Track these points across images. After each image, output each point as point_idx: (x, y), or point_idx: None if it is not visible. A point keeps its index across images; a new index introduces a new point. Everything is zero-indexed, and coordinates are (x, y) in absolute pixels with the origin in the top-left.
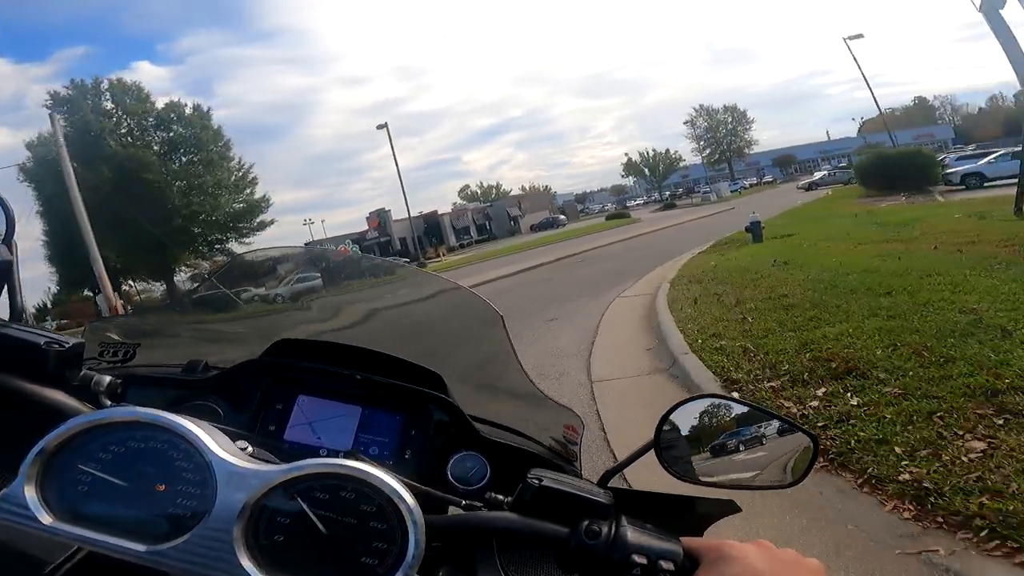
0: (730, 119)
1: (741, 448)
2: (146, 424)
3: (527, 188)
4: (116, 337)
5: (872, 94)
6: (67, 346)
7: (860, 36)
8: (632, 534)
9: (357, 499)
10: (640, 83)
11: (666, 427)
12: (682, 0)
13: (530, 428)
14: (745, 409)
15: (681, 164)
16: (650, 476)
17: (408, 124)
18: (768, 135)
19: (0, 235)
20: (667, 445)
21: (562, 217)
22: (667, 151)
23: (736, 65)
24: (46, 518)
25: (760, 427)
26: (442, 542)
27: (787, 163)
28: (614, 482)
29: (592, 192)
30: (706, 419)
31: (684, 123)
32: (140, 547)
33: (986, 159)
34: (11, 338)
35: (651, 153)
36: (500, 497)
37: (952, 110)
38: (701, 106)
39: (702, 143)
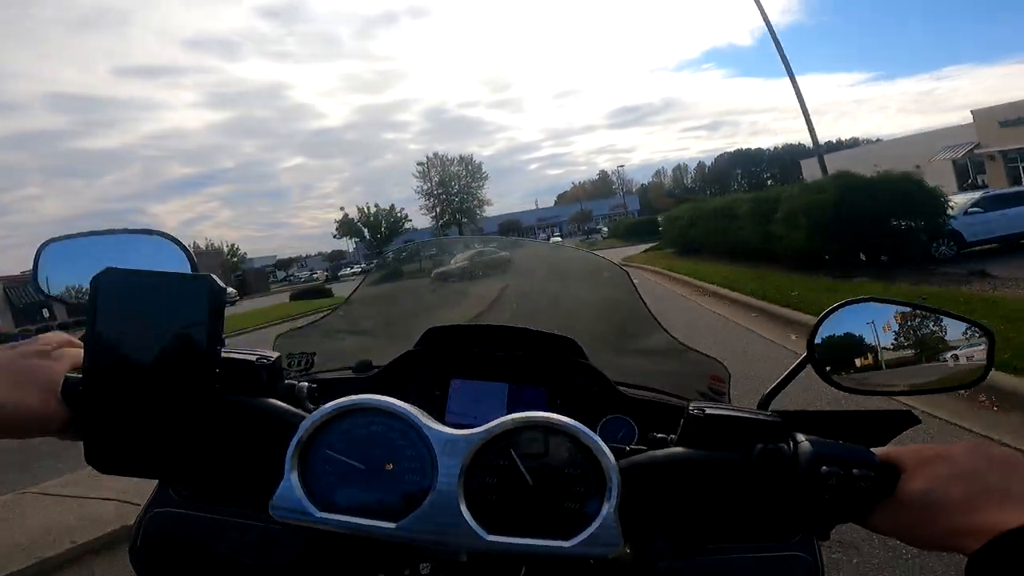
0: (464, 172)
1: (906, 351)
2: (370, 409)
3: (211, 246)
4: (299, 348)
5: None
6: (271, 361)
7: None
8: (816, 448)
9: (551, 449)
10: (369, 145)
11: (818, 339)
12: (409, 65)
13: (674, 383)
14: (905, 309)
15: (407, 225)
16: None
17: (71, 163)
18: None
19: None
20: (823, 357)
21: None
22: (392, 207)
23: (461, 136)
24: (316, 512)
25: (924, 326)
26: (627, 482)
27: (513, 228)
28: (774, 405)
29: (308, 257)
30: (862, 324)
31: (415, 173)
32: (390, 525)
33: None
34: (231, 360)
35: (372, 209)
36: (663, 436)
37: (624, 183)
38: (435, 154)
39: (432, 199)
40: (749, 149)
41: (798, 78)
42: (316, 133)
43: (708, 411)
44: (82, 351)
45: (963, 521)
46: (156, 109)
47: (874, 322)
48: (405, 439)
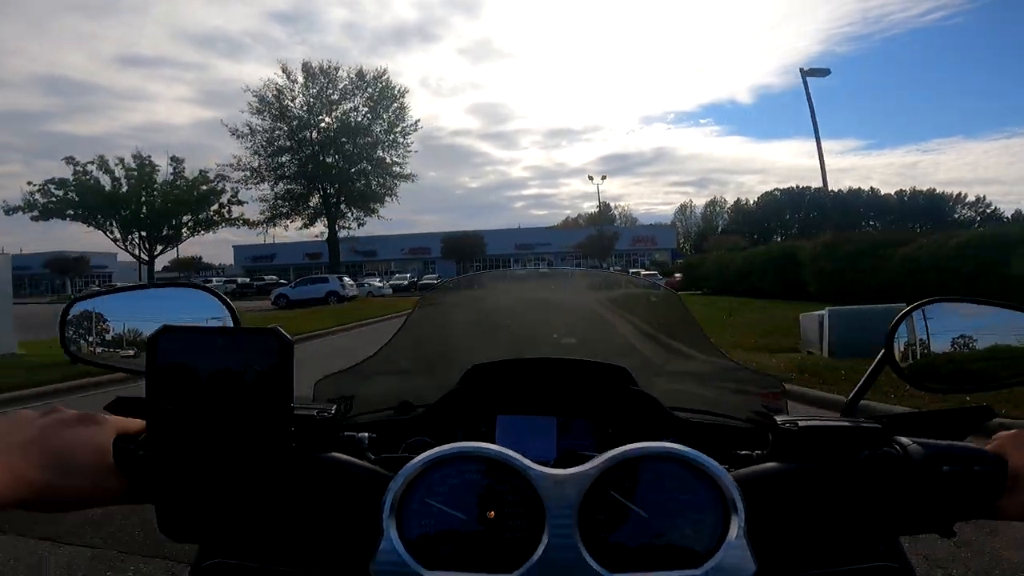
0: (361, 104)
1: (984, 346)
2: (464, 457)
3: None
4: (337, 392)
5: None
6: (331, 414)
7: None
8: (927, 449)
9: (660, 477)
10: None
11: (897, 339)
12: (409, 85)
13: (728, 404)
14: (974, 306)
15: (235, 209)
16: None
17: (53, 146)
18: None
19: (224, 321)
20: (902, 357)
21: None
22: (200, 173)
23: (451, 164)
24: (423, 570)
25: (998, 322)
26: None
27: (464, 251)
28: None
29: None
30: (938, 324)
31: (249, 104)
32: None
33: None
34: (297, 416)
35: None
36: (747, 453)
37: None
38: (306, 65)
39: (273, 158)
40: (797, 187)
41: (790, 141)
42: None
43: (802, 423)
44: (117, 418)
45: None
46: (149, 100)
47: (949, 322)
48: (504, 484)
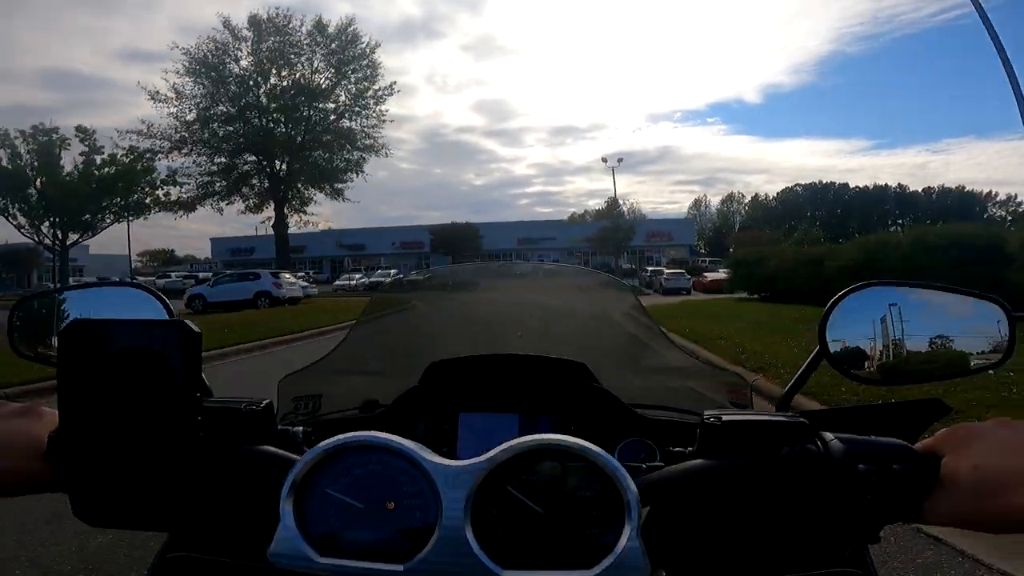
0: (317, 59)
1: (921, 335)
2: (365, 447)
3: None
4: (304, 390)
5: None
6: (260, 407)
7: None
8: (847, 446)
9: (560, 473)
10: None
11: (829, 332)
12: (415, 82)
13: (692, 400)
14: (912, 291)
15: (166, 186)
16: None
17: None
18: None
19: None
20: (837, 350)
21: None
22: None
23: (455, 161)
24: (317, 557)
25: (938, 307)
26: (647, 501)
27: (457, 244)
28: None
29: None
30: (872, 312)
31: (176, 64)
32: (397, 567)
33: None
34: (217, 409)
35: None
36: (680, 450)
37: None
38: (254, 17)
39: (206, 125)
40: (820, 183)
41: (798, 140)
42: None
43: (725, 418)
44: (49, 410)
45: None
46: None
47: (885, 308)
48: (404, 475)
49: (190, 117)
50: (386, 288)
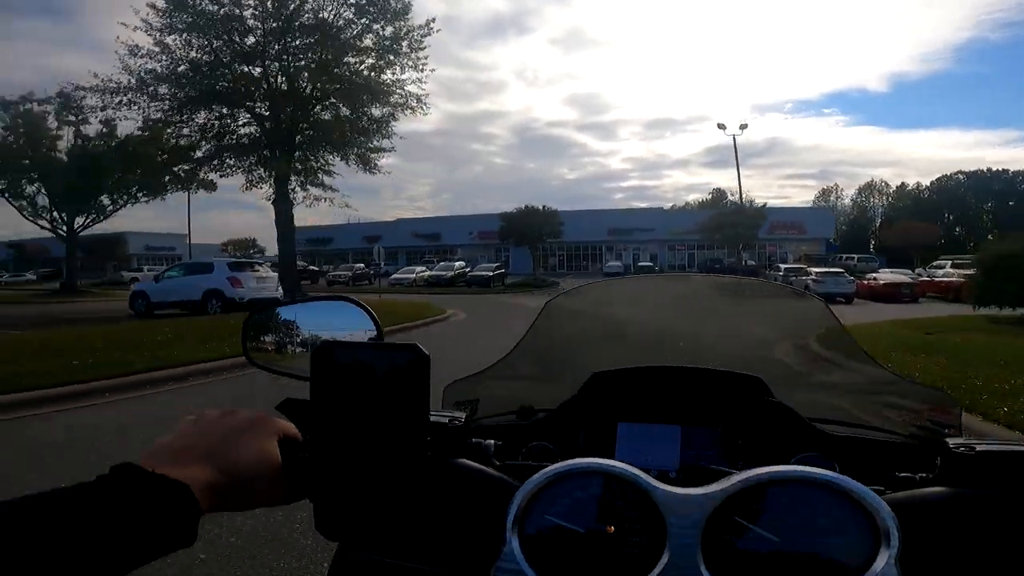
0: None
1: None
2: (588, 472)
3: None
4: (463, 395)
5: None
6: (461, 422)
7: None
8: None
9: (798, 501)
10: (456, 153)
11: None
12: (505, 78)
13: (884, 418)
14: None
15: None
16: None
17: None
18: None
19: (374, 336)
20: None
21: None
22: None
23: (546, 155)
24: None
25: None
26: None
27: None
28: None
29: None
30: None
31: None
32: None
33: None
34: (431, 424)
35: None
36: (910, 475)
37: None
38: None
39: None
40: (987, 171)
41: (932, 131)
42: (406, 135)
43: (979, 448)
44: (283, 422)
45: None
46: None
47: None
48: (622, 499)
49: (161, 63)
50: (554, 300)
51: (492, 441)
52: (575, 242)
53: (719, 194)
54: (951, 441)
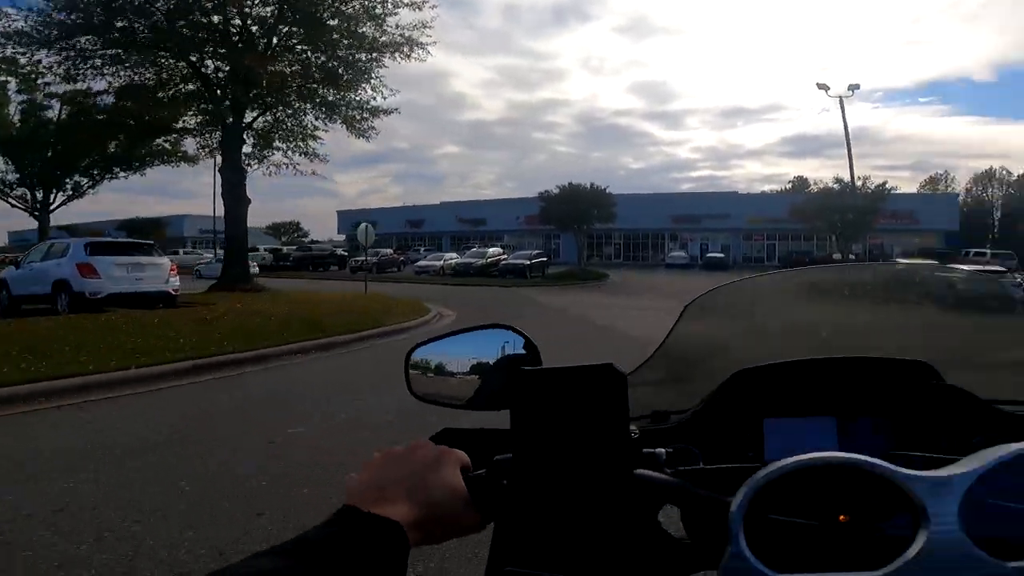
0: None
1: None
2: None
3: None
4: None
5: None
6: (638, 435)
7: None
8: None
9: None
10: (520, 142)
11: None
12: (569, 66)
13: None
14: None
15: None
16: None
17: None
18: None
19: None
20: None
21: None
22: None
23: (611, 144)
24: (769, 572)
25: None
26: None
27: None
28: None
29: None
30: None
31: None
32: (875, 573)
33: None
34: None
35: None
36: None
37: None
38: None
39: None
40: None
41: None
42: (471, 124)
43: None
44: (459, 452)
45: None
46: None
47: None
48: (851, 487)
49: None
50: (699, 299)
51: (663, 449)
52: (634, 229)
53: (801, 182)
54: None
